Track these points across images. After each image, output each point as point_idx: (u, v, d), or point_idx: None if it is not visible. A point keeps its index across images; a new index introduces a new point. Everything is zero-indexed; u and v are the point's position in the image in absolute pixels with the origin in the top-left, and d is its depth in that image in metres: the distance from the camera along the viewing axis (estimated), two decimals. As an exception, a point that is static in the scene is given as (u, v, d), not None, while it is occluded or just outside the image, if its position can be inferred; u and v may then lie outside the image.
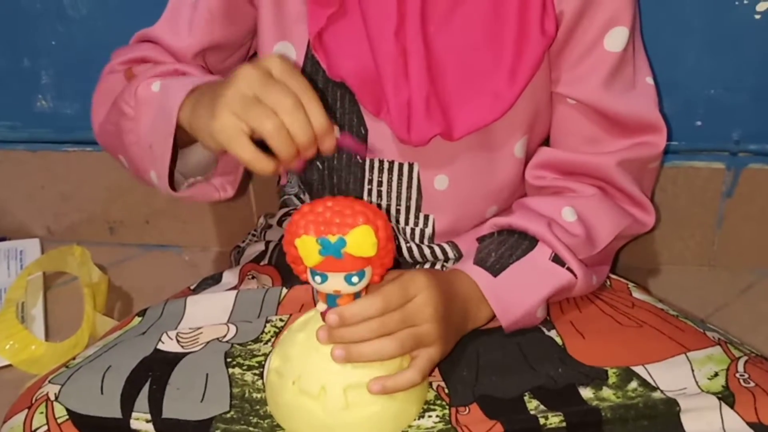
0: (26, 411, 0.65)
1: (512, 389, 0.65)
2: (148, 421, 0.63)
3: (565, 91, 0.73)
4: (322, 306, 0.62)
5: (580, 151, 0.75)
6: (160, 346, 0.69)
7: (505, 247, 0.70)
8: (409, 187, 0.76)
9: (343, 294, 0.61)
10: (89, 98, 0.80)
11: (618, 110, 0.73)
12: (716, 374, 0.65)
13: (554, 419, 0.62)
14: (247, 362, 0.68)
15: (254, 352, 0.69)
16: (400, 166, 0.75)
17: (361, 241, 0.59)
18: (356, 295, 0.62)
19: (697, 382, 0.65)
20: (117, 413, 0.63)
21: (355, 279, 0.60)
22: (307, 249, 0.59)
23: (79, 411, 0.63)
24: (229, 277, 0.82)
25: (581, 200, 0.73)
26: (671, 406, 0.62)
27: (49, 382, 0.67)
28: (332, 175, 0.77)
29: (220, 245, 1.13)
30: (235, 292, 0.76)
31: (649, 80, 0.76)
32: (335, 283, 0.60)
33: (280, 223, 0.88)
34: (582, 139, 0.75)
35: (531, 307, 0.68)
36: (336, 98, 0.74)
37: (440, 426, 0.64)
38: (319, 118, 0.59)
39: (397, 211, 0.77)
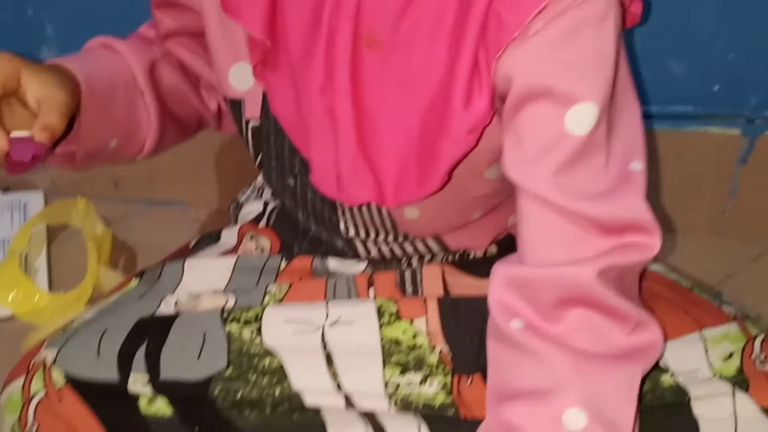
0: (24, 376, 0.64)
1: None
2: (146, 384, 0.62)
3: (514, 178, 0.57)
4: None
5: (553, 259, 0.57)
6: (158, 313, 0.68)
7: None
8: (380, 216, 0.70)
9: None
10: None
11: (580, 210, 0.55)
12: (731, 355, 0.64)
13: None
14: (243, 317, 0.67)
15: (251, 306, 0.68)
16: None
17: None
18: None
19: (711, 364, 0.63)
20: (114, 376, 0.63)
21: None
22: None
23: (76, 375, 0.63)
24: (228, 236, 0.80)
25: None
26: (681, 396, 0.61)
27: (47, 347, 0.66)
28: (305, 198, 0.73)
29: (223, 202, 1.13)
30: (234, 257, 0.74)
31: (636, 166, 0.58)
32: None
33: None
34: (551, 239, 0.57)
35: None
36: None
37: (441, 397, 0.64)
38: None
39: (376, 233, 0.71)
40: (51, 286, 1.00)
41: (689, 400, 0.60)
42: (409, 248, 0.73)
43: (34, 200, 1.15)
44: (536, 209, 0.56)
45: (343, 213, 0.71)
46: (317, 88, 0.62)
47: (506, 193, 0.68)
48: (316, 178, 0.66)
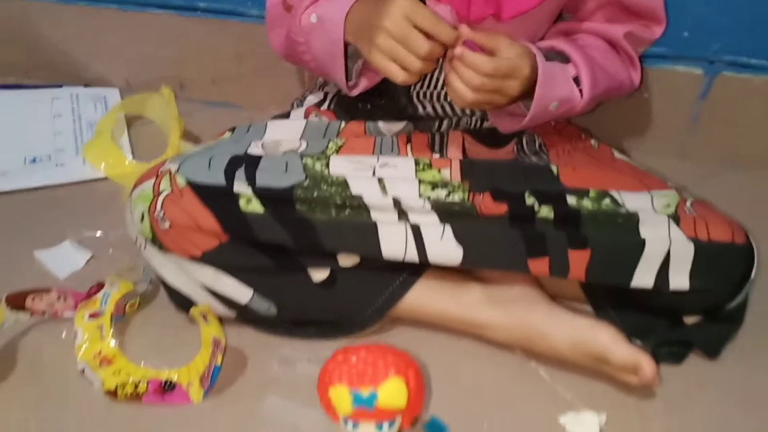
0: (153, 179, 0.87)
1: (516, 187, 0.87)
2: (246, 186, 0.84)
3: None
4: None
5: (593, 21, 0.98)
6: (249, 151, 0.90)
7: (549, 53, 0.90)
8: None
9: None
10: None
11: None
12: (669, 205, 0.88)
13: (545, 210, 0.85)
14: (316, 155, 0.89)
15: (323, 151, 0.91)
16: None
17: (392, 394, 0.63)
18: None
19: (654, 208, 0.87)
20: (222, 181, 0.84)
21: (385, 428, 0.65)
22: (340, 399, 0.63)
23: (194, 179, 0.85)
24: (296, 114, 1.03)
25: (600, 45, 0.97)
26: (632, 217, 0.85)
27: (170, 162, 0.88)
28: None
29: (278, 107, 1.33)
30: (305, 120, 0.98)
31: None
32: (366, 430, 0.65)
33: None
34: (598, 12, 0.98)
35: (553, 97, 0.88)
36: None
37: (461, 201, 0.85)
38: (448, 41, 0.81)
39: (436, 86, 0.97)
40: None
41: (638, 221, 0.84)
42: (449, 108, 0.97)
43: (112, 95, 1.35)
44: None
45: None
46: None
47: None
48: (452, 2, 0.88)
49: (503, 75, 0.83)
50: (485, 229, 0.84)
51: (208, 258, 0.85)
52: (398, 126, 0.98)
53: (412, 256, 0.84)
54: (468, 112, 1.00)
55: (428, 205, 0.84)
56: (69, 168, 1.18)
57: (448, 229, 0.84)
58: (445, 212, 0.84)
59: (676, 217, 0.86)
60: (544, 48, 0.91)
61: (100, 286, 0.90)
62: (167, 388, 0.83)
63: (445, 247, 0.84)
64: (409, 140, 0.95)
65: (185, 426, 0.81)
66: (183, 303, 0.90)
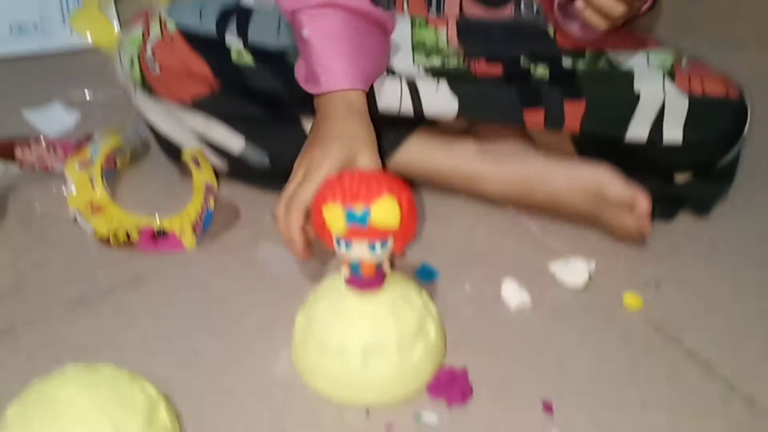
0: (142, 23, 0.85)
1: (512, 51, 0.86)
2: (238, 40, 0.83)
3: None
4: (345, 272, 0.68)
5: None
6: (242, 1, 0.87)
7: None
8: None
9: (366, 262, 0.66)
10: None
11: None
12: (664, 62, 0.87)
13: (541, 70, 0.84)
14: None
15: None
16: None
17: (385, 212, 0.62)
18: (378, 266, 0.66)
19: (649, 64, 0.86)
20: (213, 31, 0.83)
21: (377, 248, 0.64)
22: (333, 217, 0.63)
23: (185, 26, 0.83)
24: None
25: None
26: (627, 74, 0.84)
27: (159, 7, 0.86)
28: None
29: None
30: None
31: None
32: (359, 250, 0.65)
33: None
34: None
35: None
36: None
37: (456, 67, 0.85)
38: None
39: None
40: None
41: (633, 75, 0.84)
42: None
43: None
44: None
45: None
46: None
47: None
48: None
49: None
50: (480, 85, 0.84)
51: (199, 104, 0.84)
52: None
53: (407, 108, 0.84)
54: None
55: (422, 71, 0.83)
56: (56, 36, 1.16)
57: (444, 83, 0.84)
58: (440, 73, 0.84)
59: (671, 73, 0.85)
60: None
61: (89, 137, 0.90)
62: (159, 235, 0.83)
63: (440, 98, 0.83)
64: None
65: (179, 269, 0.82)
66: (174, 152, 0.90)
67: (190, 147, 0.88)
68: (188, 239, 0.83)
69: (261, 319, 0.76)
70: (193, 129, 0.87)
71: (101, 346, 0.73)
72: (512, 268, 0.82)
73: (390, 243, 0.66)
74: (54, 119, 1.00)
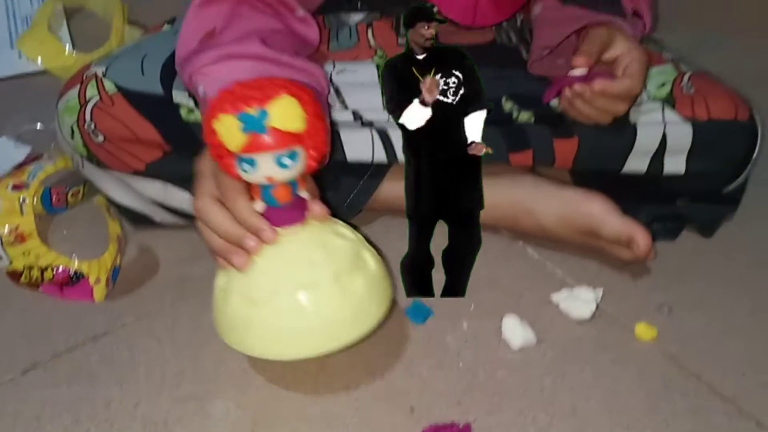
0: (79, 86, 0.76)
1: (493, 92, 0.78)
2: (187, 97, 0.74)
3: None
4: (260, 205, 0.60)
5: None
6: None
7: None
8: None
9: (278, 182, 0.58)
10: None
11: None
12: (664, 84, 0.79)
13: (524, 116, 0.78)
14: None
15: None
16: None
17: (286, 111, 0.55)
18: (293, 185, 0.59)
19: (648, 91, 0.79)
20: (158, 89, 0.74)
21: (286, 160, 0.56)
22: (227, 129, 0.55)
23: (125, 86, 0.74)
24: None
25: None
26: None
27: (95, 64, 0.77)
28: None
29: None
30: None
31: None
32: (265, 167, 0.56)
33: None
34: None
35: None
36: None
37: None
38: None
39: None
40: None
41: (628, 112, 0.76)
42: None
43: (49, -14, 1.23)
44: None
45: None
46: None
47: None
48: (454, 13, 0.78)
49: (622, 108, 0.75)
50: None
51: (153, 170, 0.76)
52: (357, 17, 0.85)
53: (381, 156, 0.77)
54: None
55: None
56: (3, 61, 1.07)
57: None
58: None
59: (671, 99, 0.78)
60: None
61: (36, 158, 0.81)
62: (74, 279, 0.75)
63: None
64: (370, 26, 0.84)
65: (141, 322, 0.74)
66: (136, 219, 0.81)
67: (153, 219, 0.80)
68: (100, 290, 0.75)
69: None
70: (150, 197, 0.78)
71: (57, 416, 0.65)
72: (512, 301, 0.75)
73: (301, 155, 0.57)
74: (3, 154, 0.91)
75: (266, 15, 0.72)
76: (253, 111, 0.55)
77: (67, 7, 1.17)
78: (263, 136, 0.55)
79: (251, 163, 0.56)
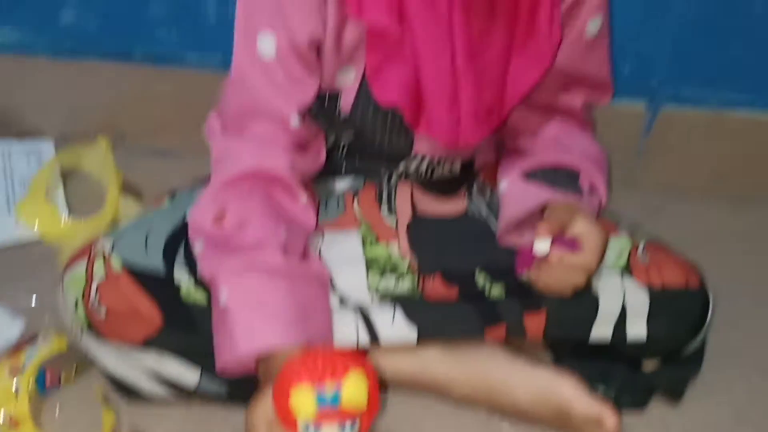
0: (86, 261, 0.81)
1: (466, 264, 0.86)
2: (188, 275, 0.80)
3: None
4: None
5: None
6: None
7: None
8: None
9: None
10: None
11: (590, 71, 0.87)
12: (621, 254, 0.87)
13: (496, 291, 0.84)
14: None
15: None
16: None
17: (355, 391, 0.62)
18: None
19: (606, 259, 0.84)
20: (161, 267, 0.80)
21: (347, 429, 0.63)
22: (302, 400, 0.61)
23: (131, 263, 0.80)
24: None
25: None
26: None
27: (104, 238, 0.83)
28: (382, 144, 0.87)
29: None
30: None
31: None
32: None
33: None
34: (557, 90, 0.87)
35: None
36: (386, 115, 0.83)
37: (411, 290, 0.85)
38: None
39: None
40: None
41: (590, 282, 0.82)
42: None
43: (46, 147, 1.28)
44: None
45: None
46: (447, 59, 0.75)
47: None
48: (435, 131, 0.80)
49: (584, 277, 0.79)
50: (437, 309, 0.84)
51: (151, 343, 0.81)
52: (342, 183, 0.93)
53: (364, 341, 0.82)
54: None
55: (377, 298, 0.83)
56: (1, 228, 1.11)
57: (399, 310, 0.83)
58: (394, 298, 0.84)
59: (628, 267, 0.85)
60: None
61: (32, 339, 0.85)
62: None
63: (398, 329, 0.83)
64: (355, 195, 0.91)
65: None
66: (126, 391, 0.85)
67: (142, 392, 0.84)
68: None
69: None
70: (145, 367, 0.82)
71: None
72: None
73: (358, 421, 0.63)
74: (-3, 330, 0.94)
75: (274, 212, 0.77)
76: (329, 390, 0.61)
77: (63, 168, 1.23)
78: (334, 411, 0.61)
79: (317, 430, 0.62)
